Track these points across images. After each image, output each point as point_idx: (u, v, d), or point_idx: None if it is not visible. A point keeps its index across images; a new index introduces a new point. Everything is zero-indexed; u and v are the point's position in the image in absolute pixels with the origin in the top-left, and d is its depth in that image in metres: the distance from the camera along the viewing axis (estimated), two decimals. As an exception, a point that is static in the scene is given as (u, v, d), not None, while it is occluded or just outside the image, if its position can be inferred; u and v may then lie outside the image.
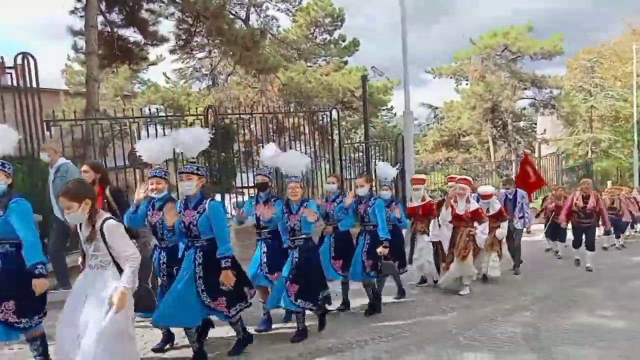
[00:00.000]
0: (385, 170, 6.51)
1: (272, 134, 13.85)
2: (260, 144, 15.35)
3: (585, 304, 6.28)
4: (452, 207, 6.84)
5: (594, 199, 8.42)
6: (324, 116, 12.12)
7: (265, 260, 5.21)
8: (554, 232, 10.04)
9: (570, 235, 9.08)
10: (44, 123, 7.34)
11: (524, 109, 29.98)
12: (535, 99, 27.77)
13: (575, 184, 15.67)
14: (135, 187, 9.23)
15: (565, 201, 9.66)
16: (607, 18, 60.64)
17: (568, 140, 27.03)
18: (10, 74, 7.00)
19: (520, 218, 8.39)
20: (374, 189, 6.70)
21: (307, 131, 13.92)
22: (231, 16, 17.09)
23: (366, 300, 5.95)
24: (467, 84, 28.92)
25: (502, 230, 7.53)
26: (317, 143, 13.70)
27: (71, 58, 24.61)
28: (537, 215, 11.58)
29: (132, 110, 9.03)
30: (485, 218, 6.90)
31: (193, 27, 14.58)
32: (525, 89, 27.16)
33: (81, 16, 11.73)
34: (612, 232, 10.70)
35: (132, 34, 13.00)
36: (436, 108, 34.00)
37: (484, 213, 6.96)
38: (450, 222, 6.97)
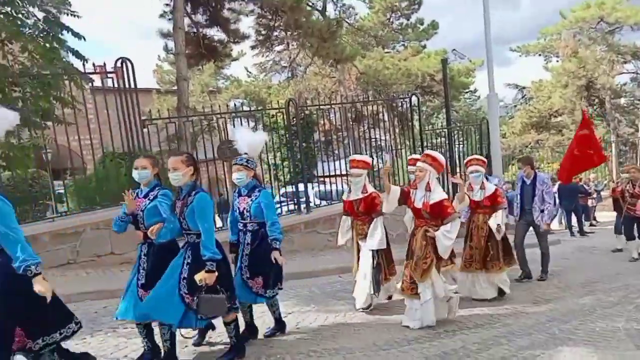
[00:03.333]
0: (245, 137, 4.44)
1: (351, 122, 13.92)
2: (340, 133, 15.55)
3: (700, 298, 5.71)
4: (408, 196, 5.01)
5: None
6: (404, 102, 11.94)
7: None
8: (624, 226, 8.23)
9: None
10: (142, 122, 7.93)
11: (624, 84, 27.49)
12: (637, 73, 25.38)
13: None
14: (224, 179, 9.76)
15: None
16: None
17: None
18: (112, 78, 7.63)
19: (541, 212, 6.64)
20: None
21: (386, 118, 13.80)
22: (308, 8, 17.31)
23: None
24: (557, 61, 27.07)
25: (494, 220, 5.73)
26: (396, 130, 13.56)
27: (161, 58, 26.31)
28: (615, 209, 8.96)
29: (219, 106, 9.50)
30: (453, 214, 4.74)
31: (272, 21, 14.95)
32: (625, 62, 24.91)
33: (169, 19, 12.51)
34: None
35: (215, 33, 13.69)
36: (523, 88, 32.17)
37: (452, 207, 4.85)
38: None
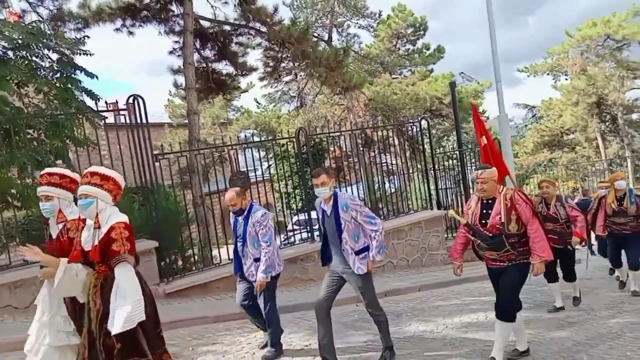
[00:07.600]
0: None
1: (361, 148, 13.94)
2: (350, 159, 15.57)
3: None
4: None
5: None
6: (413, 126, 11.95)
7: None
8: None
9: None
10: (154, 156, 8.01)
11: (636, 100, 27.31)
12: (648, 88, 25.24)
13: None
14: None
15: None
16: None
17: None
18: (124, 115, 7.74)
19: (356, 254, 4.27)
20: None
21: (396, 143, 13.79)
22: (314, 39, 17.60)
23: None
24: (566, 79, 27.09)
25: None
26: (407, 154, 13.52)
27: (172, 94, 26.83)
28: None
29: (230, 137, 9.57)
30: (121, 255, 3.00)
31: (279, 53, 15.19)
32: (635, 78, 24.80)
33: (179, 55, 12.79)
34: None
35: (224, 67, 13.95)
36: (533, 107, 32.16)
37: (122, 247, 3.00)
38: None
